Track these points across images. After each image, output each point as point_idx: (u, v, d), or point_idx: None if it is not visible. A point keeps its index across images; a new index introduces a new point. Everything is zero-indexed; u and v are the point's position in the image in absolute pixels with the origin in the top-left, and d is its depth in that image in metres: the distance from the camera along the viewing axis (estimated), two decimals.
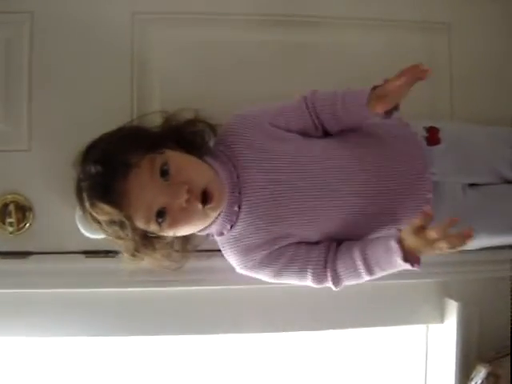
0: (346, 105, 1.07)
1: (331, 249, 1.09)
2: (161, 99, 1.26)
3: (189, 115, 1.13)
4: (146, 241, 1.05)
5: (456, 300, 1.36)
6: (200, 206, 0.99)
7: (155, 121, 1.14)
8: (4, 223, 1.22)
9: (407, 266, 1.01)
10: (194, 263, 1.24)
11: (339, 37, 1.33)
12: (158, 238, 1.05)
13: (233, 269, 1.18)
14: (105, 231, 1.05)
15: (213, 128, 1.15)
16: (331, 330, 1.44)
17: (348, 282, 1.09)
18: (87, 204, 1.02)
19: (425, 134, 1.15)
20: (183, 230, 1.04)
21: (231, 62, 1.29)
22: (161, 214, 0.99)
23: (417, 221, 0.97)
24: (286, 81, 1.29)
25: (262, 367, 1.48)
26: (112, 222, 1.01)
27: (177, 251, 1.11)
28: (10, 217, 1.21)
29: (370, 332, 1.47)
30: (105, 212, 0.99)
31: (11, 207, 1.22)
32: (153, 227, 1.01)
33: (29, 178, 1.23)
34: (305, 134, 1.13)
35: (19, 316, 1.25)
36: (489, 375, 1.31)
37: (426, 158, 1.12)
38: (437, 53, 1.36)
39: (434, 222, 1.09)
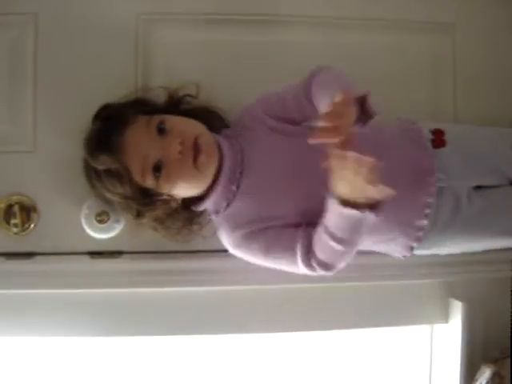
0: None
1: (310, 237, 1.03)
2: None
3: (191, 90, 1.19)
4: (146, 198, 1.07)
5: (461, 300, 1.36)
6: (191, 160, 1.03)
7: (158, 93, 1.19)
8: (9, 224, 1.22)
9: (358, 213, 0.91)
10: (195, 264, 1.25)
11: (343, 37, 1.33)
12: (158, 196, 1.07)
13: (234, 270, 1.19)
14: (107, 190, 1.07)
15: (213, 110, 1.19)
16: (335, 331, 1.44)
17: (332, 261, 1.01)
18: (87, 155, 1.07)
19: (430, 136, 1.14)
20: (180, 186, 1.06)
21: (235, 61, 1.29)
22: (157, 169, 1.03)
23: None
24: (288, 80, 1.29)
25: (265, 368, 1.47)
26: (111, 174, 1.05)
27: (181, 220, 1.13)
28: (15, 218, 1.21)
29: (375, 332, 1.47)
30: (103, 161, 1.04)
31: (16, 208, 1.21)
32: (149, 181, 1.05)
33: (33, 178, 1.23)
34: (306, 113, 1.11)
35: (24, 316, 1.26)
36: (493, 375, 1.31)
37: (432, 160, 1.12)
38: (441, 53, 1.36)
39: (439, 226, 1.11)
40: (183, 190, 1.08)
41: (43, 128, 1.24)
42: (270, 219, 1.08)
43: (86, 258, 1.25)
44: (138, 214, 1.11)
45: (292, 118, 1.13)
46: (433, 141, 1.14)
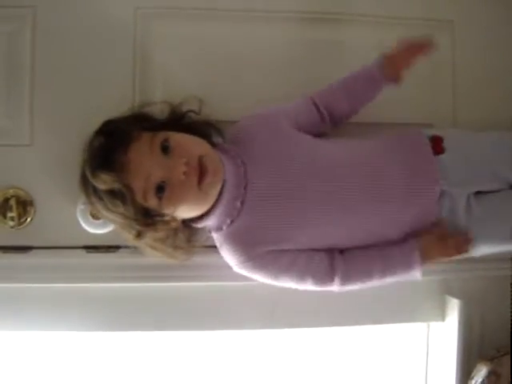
0: (359, 80, 1.19)
1: (335, 254, 1.09)
2: (163, 94, 1.25)
3: (193, 105, 1.16)
4: (148, 219, 1.04)
5: (457, 298, 1.36)
6: (196, 182, 1.01)
7: (160, 108, 1.16)
8: (5, 218, 1.22)
9: (418, 276, 1.10)
10: (193, 259, 1.25)
11: (340, 34, 1.32)
12: (160, 217, 1.04)
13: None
14: (108, 209, 1.04)
15: (215, 126, 1.17)
16: (332, 328, 1.43)
17: (354, 287, 1.11)
18: (88, 174, 1.03)
19: (429, 143, 1.14)
20: (183, 208, 1.03)
21: (234, 57, 1.29)
22: (160, 190, 1.01)
23: (439, 230, 1.09)
24: (287, 76, 1.29)
25: (261, 364, 1.47)
26: (113, 194, 1.01)
27: (182, 239, 1.11)
28: (11, 211, 1.21)
29: (371, 330, 1.47)
30: (104, 181, 1.00)
31: (12, 202, 1.21)
32: (151, 202, 1.02)
33: (30, 172, 1.23)
34: (315, 132, 1.16)
35: (19, 310, 1.25)
36: (490, 373, 1.31)
37: (435, 168, 1.11)
38: (439, 51, 1.35)
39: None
40: (186, 211, 1.05)
41: (40, 121, 1.23)
42: (282, 241, 1.07)
43: (83, 252, 1.24)
44: (138, 234, 1.07)
45: (303, 127, 1.15)
46: (431, 148, 1.14)
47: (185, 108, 1.16)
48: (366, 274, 1.10)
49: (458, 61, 1.37)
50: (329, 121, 1.19)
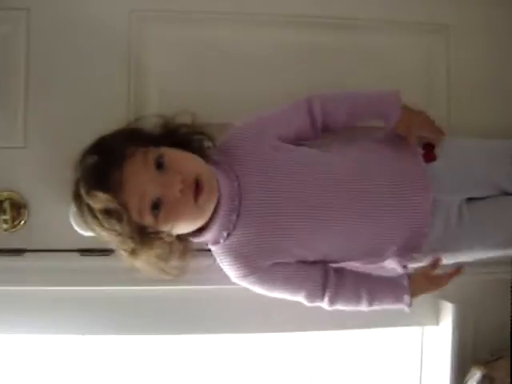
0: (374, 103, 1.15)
1: (329, 273, 1.11)
2: (158, 96, 1.26)
3: (187, 118, 1.13)
4: (144, 236, 1.02)
5: (451, 302, 1.36)
6: (192, 199, 0.99)
7: (153, 122, 1.13)
8: None
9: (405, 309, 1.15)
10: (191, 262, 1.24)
11: (336, 38, 1.32)
12: (156, 234, 1.03)
13: None
14: (103, 227, 1.02)
15: (209, 136, 1.14)
16: (327, 331, 1.43)
17: (342, 308, 1.14)
18: (83, 193, 1.01)
19: (421, 150, 1.14)
20: (179, 225, 1.02)
21: (228, 60, 1.29)
22: (156, 206, 0.99)
23: (429, 268, 1.12)
24: (284, 80, 1.29)
25: (258, 367, 1.48)
26: (108, 213, 0.99)
27: (176, 254, 1.09)
28: (5, 214, 1.21)
29: (366, 333, 1.47)
30: (100, 200, 0.98)
31: (6, 204, 1.21)
32: (147, 219, 1.00)
33: (24, 175, 1.23)
34: (303, 138, 1.14)
35: (13, 313, 1.25)
36: (484, 378, 1.31)
37: (426, 177, 1.11)
38: (435, 54, 1.36)
39: (431, 241, 1.12)
40: (182, 227, 1.04)
41: (34, 124, 1.23)
42: (278, 253, 1.07)
43: (76, 255, 1.24)
44: (133, 252, 1.04)
45: (291, 137, 1.12)
46: (423, 155, 1.14)
47: (178, 121, 1.13)
48: (353, 300, 1.13)
49: (453, 65, 1.37)
50: (320, 129, 1.15)
